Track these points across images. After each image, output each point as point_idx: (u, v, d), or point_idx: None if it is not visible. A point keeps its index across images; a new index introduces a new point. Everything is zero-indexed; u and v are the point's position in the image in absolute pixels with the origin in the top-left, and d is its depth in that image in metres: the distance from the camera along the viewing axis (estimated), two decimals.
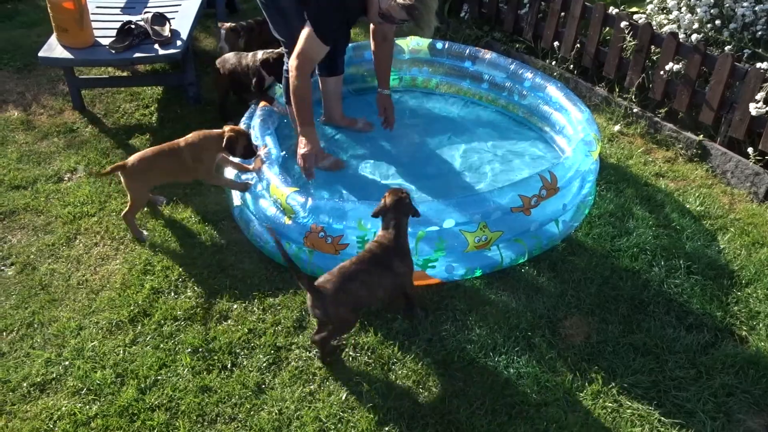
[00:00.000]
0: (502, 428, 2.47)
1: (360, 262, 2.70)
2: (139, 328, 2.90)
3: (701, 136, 4.09)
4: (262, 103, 3.93)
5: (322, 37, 3.30)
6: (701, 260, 3.25)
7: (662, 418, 2.53)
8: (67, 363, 2.74)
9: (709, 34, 4.15)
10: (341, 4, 3.31)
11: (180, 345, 2.81)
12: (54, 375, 2.69)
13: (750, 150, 3.84)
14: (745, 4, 4.05)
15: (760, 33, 4.05)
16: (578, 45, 4.69)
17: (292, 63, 3.39)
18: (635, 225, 3.45)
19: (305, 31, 3.32)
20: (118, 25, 4.29)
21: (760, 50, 3.97)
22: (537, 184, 3.12)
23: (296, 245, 3.11)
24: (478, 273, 3.12)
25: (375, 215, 2.80)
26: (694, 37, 4.08)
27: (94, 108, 4.54)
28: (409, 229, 2.88)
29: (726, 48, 4.01)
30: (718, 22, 4.14)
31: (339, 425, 2.50)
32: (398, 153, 4.01)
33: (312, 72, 3.56)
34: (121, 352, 2.78)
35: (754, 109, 3.68)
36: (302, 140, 3.43)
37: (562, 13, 4.78)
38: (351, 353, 2.77)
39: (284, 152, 3.68)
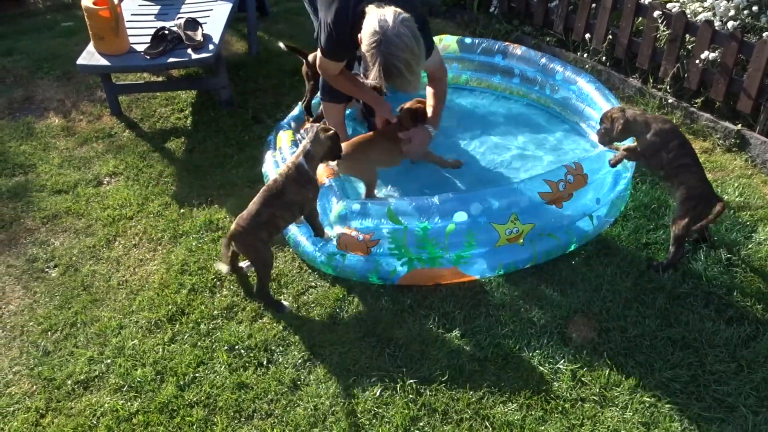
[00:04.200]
0: (537, 423, 2.46)
1: (263, 193, 2.95)
2: (177, 326, 2.96)
3: (739, 125, 3.99)
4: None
5: (326, 56, 3.39)
6: (741, 252, 3.17)
7: (702, 413, 2.48)
8: (108, 361, 2.81)
9: (746, 20, 4.04)
10: (333, 38, 3.28)
11: (217, 343, 2.86)
12: (97, 373, 2.77)
13: None
14: None
15: None
16: (610, 36, 4.62)
17: (320, 71, 3.53)
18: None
19: (318, 49, 3.43)
20: (152, 31, 4.38)
21: None
22: (562, 171, 3.11)
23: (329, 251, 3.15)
24: (511, 269, 3.11)
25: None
26: (730, 24, 3.98)
27: (131, 113, 4.65)
28: (438, 223, 2.89)
29: (764, 34, 3.90)
30: (755, 8, 4.02)
31: (374, 421, 2.52)
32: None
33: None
34: (160, 350, 2.85)
35: None
36: (375, 102, 3.65)
37: (593, 5, 4.72)
38: (387, 349, 2.79)
39: None
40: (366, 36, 3.00)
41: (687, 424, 2.45)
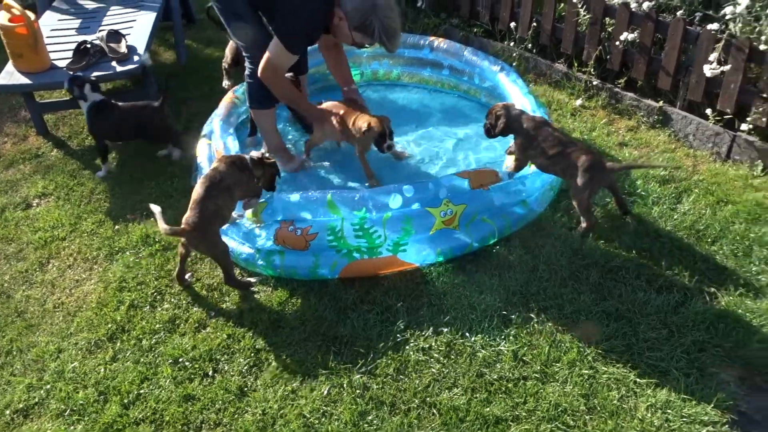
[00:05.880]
0: (482, 406, 2.51)
1: (203, 185, 2.97)
2: (118, 344, 2.91)
3: (661, 102, 4.15)
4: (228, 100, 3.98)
5: (291, 51, 3.38)
6: (668, 223, 3.31)
7: (638, 380, 2.58)
8: (48, 386, 2.74)
9: (661, 0, 4.20)
10: (307, 25, 3.35)
11: (160, 357, 2.82)
12: (36, 399, 2.70)
13: (708, 111, 3.90)
14: None
15: None
16: (534, 24, 4.74)
17: (263, 75, 3.46)
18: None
19: (274, 45, 3.37)
20: (73, 45, 4.27)
21: (710, 12, 4.02)
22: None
23: (268, 249, 3.13)
24: (450, 255, 3.16)
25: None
26: (645, 5, 4.12)
27: (58, 131, 4.53)
28: (374, 215, 2.95)
29: (678, 13, 4.06)
30: None
31: (323, 419, 2.53)
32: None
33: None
34: (102, 370, 2.79)
35: (708, 70, 3.74)
36: (316, 119, 3.72)
37: None
38: (332, 347, 2.80)
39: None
40: (355, 8, 3.23)
41: (624, 392, 2.55)
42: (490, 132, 3.38)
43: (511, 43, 4.93)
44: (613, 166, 3.23)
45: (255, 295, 3.09)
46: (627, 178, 3.64)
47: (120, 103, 3.97)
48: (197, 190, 2.98)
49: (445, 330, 2.83)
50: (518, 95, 3.83)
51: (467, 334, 2.81)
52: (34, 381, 2.77)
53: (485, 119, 3.42)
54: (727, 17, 3.78)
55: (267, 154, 3.21)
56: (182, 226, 2.93)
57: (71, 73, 4.13)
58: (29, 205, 3.84)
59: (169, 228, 2.93)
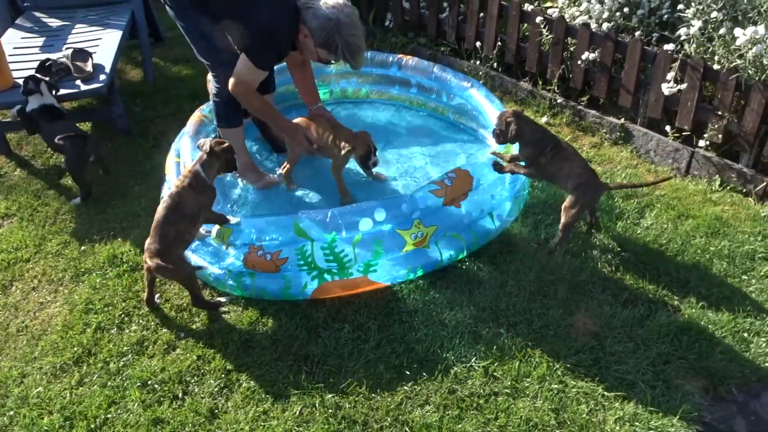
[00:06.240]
0: (454, 422, 2.53)
1: (164, 210, 2.93)
2: (84, 368, 2.85)
3: (622, 119, 4.26)
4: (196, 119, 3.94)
5: (260, 67, 3.39)
6: (631, 237, 3.39)
7: (605, 393, 2.63)
8: (11, 413, 2.67)
9: (620, 21, 4.33)
10: (274, 42, 3.36)
11: (128, 380, 2.78)
12: None
13: (668, 128, 4.03)
14: None
15: (666, 16, 4.25)
16: (499, 43, 4.83)
17: (235, 91, 3.45)
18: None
19: (243, 62, 3.38)
20: (36, 64, 4.21)
21: (666, 33, 4.16)
22: (443, 174, 3.26)
23: (237, 270, 3.12)
24: (420, 272, 3.19)
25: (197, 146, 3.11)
26: (605, 26, 4.25)
27: (21, 151, 4.45)
28: (345, 235, 2.95)
29: (636, 33, 4.20)
30: (626, 9, 4.32)
31: None
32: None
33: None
34: (68, 395, 2.74)
35: (666, 89, 3.87)
36: (290, 132, 3.66)
37: (481, 14, 4.92)
38: (304, 366, 2.79)
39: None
40: (319, 25, 3.24)
41: (593, 405, 2.59)
42: (500, 137, 3.34)
43: (477, 62, 5.01)
44: (607, 185, 3.31)
45: (225, 315, 3.06)
46: None
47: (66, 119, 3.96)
48: (158, 214, 2.94)
49: (417, 347, 2.84)
50: (491, 109, 3.90)
51: (438, 350, 2.83)
52: None
53: (495, 124, 3.37)
54: (682, 38, 3.91)
55: (211, 139, 3.11)
56: (145, 254, 2.90)
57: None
58: None
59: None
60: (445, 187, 3.18)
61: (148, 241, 2.92)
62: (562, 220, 3.24)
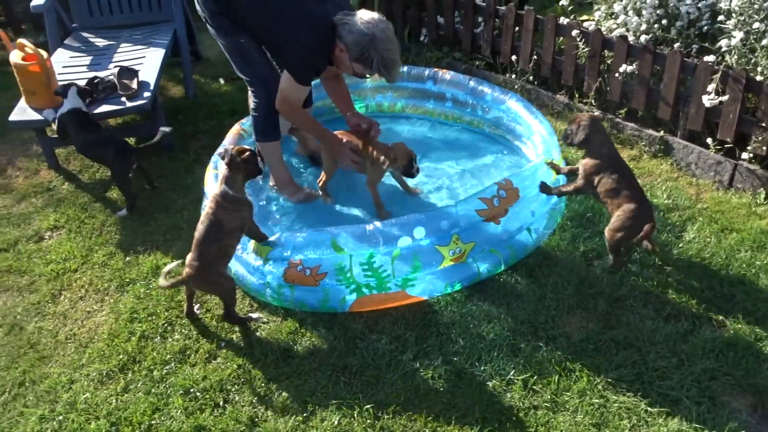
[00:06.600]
0: None
1: (204, 228, 2.95)
2: (129, 375, 2.92)
3: (662, 132, 4.22)
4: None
5: (300, 82, 3.47)
6: (673, 251, 3.34)
7: (648, 408, 2.58)
8: (60, 418, 2.75)
9: (658, 33, 4.30)
10: (311, 57, 3.44)
11: (171, 388, 2.84)
12: (49, 431, 2.71)
13: (709, 140, 3.97)
14: (688, 2, 4.20)
15: (705, 28, 4.21)
16: (535, 56, 4.84)
17: (280, 108, 3.57)
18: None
19: (285, 79, 3.47)
20: (84, 82, 4.36)
21: (706, 44, 4.12)
22: (494, 187, 3.24)
23: (278, 281, 3.16)
24: (457, 287, 3.19)
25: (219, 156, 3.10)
26: (643, 38, 4.23)
27: (69, 165, 4.60)
28: (384, 250, 2.97)
29: (675, 45, 4.16)
30: (664, 21, 4.29)
31: None
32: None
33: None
34: (114, 401, 2.81)
35: (707, 100, 3.82)
36: (335, 145, 3.71)
37: (516, 28, 4.93)
38: (342, 377, 2.81)
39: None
40: (355, 40, 3.29)
41: (635, 421, 2.55)
42: (568, 139, 3.28)
43: (513, 76, 5.02)
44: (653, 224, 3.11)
45: (264, 326, 3.11)
46: None
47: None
48: (199, 230, 2.98)
49: (455, 359, 2.84)
50: (530, 119, 3.93)
51: (477, 363, 2.82)
52: (46, 412, 2.78)
53: (568, 125, 3.31)
54: (723, 49, 3.87)
55: (229, 149, 3.07)
56: (185, 270, 2.96)
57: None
58: (41, 237, 3.89)
59: (171, 283, 3.01)
60: (492, 208, 3.18)
61: (189, 257, 2.98)
62: (607, 242, 3.18)
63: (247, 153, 3.09)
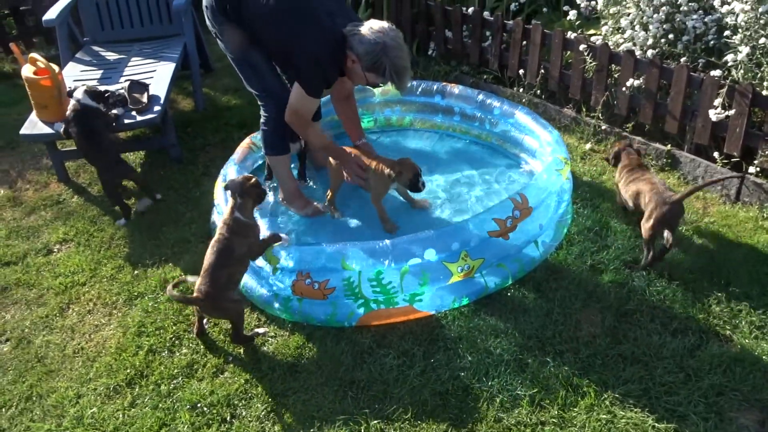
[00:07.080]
0: None
1: (215, 254, 2.97)
2: (137, 390, 2.93)
3: (669, 145, 4.22)
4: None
5: (311, 94, 3.49)
6: (680, 265, 3.33)
7: (656, 424, 2.57)
8: None
9: (664, 48, 4.31)
10: (322, 69, 3.46)
11: (179, 402, 2.85)
12: None
13: (716, 154, 3.96)
14: (694, 17, 4.22)
15: (711, 42, 4.21)
16: (542, 70, 4.85)
17: (290, 120, 3.59)
18: (614, 238, 3.54)
19: (295, 92, 3.49)
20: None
21: (713, 59, 4.12)
22: (509, 206, 3.22)
23: (285, 294, 3.18)
24: (465, 301, 3.19)
25: (225, 188, 3.16)
26: (649, 52, 4.24)
27: (79, 178, 4.64)
28: (393, 265, 2.98)
29: (681, 60, 4.17)
30: (671, 36, 4.30)
31: None
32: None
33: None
34: (121, 415, 2.82)
35: (713, 115, 3.82)
36: (342, 159, 3.74)
37: (524, 42, 4.96)
38: (350, 392, 2.82)
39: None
40: (366, 50, 3.31)
41: None
42: (608, 159, 3.87)
43: (520, 90, 5.04)
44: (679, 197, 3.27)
45: (271, 340, 3.12)
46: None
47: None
48: (208, 258, 3.00)
49: (462, 374, 2.84)
50: (539, 129, 3.95)
51: (484, 378, 2.82)
52: (53, 427, 2.80)
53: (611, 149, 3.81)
54: (729, 64, 3.87)
55: (238, 177, 3.18)
56: (195, 294, 2.97)
57: None
58: (50, 250, 3.92)
59: (182, 297, 3.06)
60: (504, 228, 3.19)
61: (199, 282, 2.98)
62: (643, 235, 3.33)
63: (254, 179, 3.15)
